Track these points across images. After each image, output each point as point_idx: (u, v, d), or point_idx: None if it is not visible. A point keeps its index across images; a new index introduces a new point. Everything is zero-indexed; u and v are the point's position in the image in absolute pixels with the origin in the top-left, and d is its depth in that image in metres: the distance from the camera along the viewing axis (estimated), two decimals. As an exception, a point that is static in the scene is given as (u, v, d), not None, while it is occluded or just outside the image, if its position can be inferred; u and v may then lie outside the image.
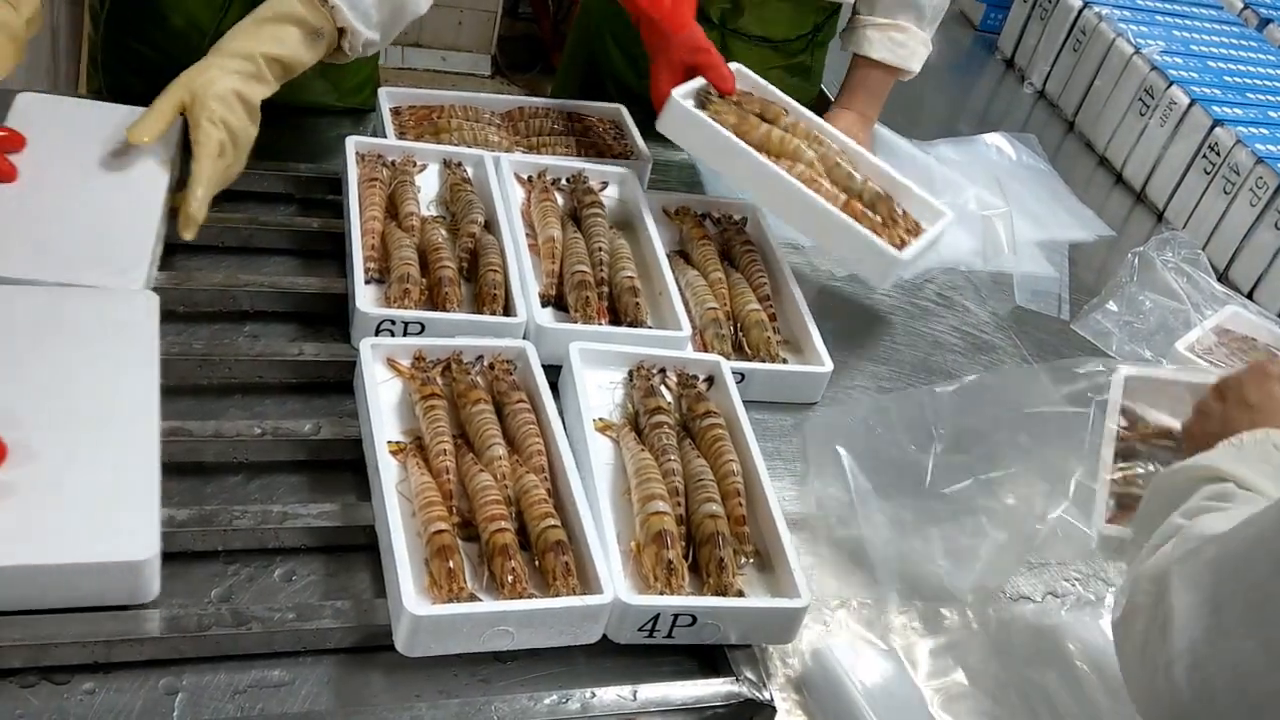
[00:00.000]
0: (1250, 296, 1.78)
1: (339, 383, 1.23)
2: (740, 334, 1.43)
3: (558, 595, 1.02)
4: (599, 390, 1.27)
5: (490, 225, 1.44)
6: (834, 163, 1.54)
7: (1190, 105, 1.97)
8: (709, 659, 1.08)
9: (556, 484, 1.13)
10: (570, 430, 1.19)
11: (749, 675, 1.05)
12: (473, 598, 1.01)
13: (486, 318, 1.30)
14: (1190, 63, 2.08)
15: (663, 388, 1.28)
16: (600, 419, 1.23)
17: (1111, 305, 1.61)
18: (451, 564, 1.01)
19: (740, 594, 1.08)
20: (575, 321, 1.34)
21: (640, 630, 1.04)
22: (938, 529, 1.22)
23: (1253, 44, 2.22)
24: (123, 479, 0.99)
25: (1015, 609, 1.22)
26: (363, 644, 1.01)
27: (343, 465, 1.14)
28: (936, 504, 1.23)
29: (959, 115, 2.22)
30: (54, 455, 0.99)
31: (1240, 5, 2.39)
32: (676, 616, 1.04)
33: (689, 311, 1.41)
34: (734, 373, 1.31)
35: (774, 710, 1.04)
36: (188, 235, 1.22)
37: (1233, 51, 2.17)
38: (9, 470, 0.97)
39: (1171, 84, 2.01)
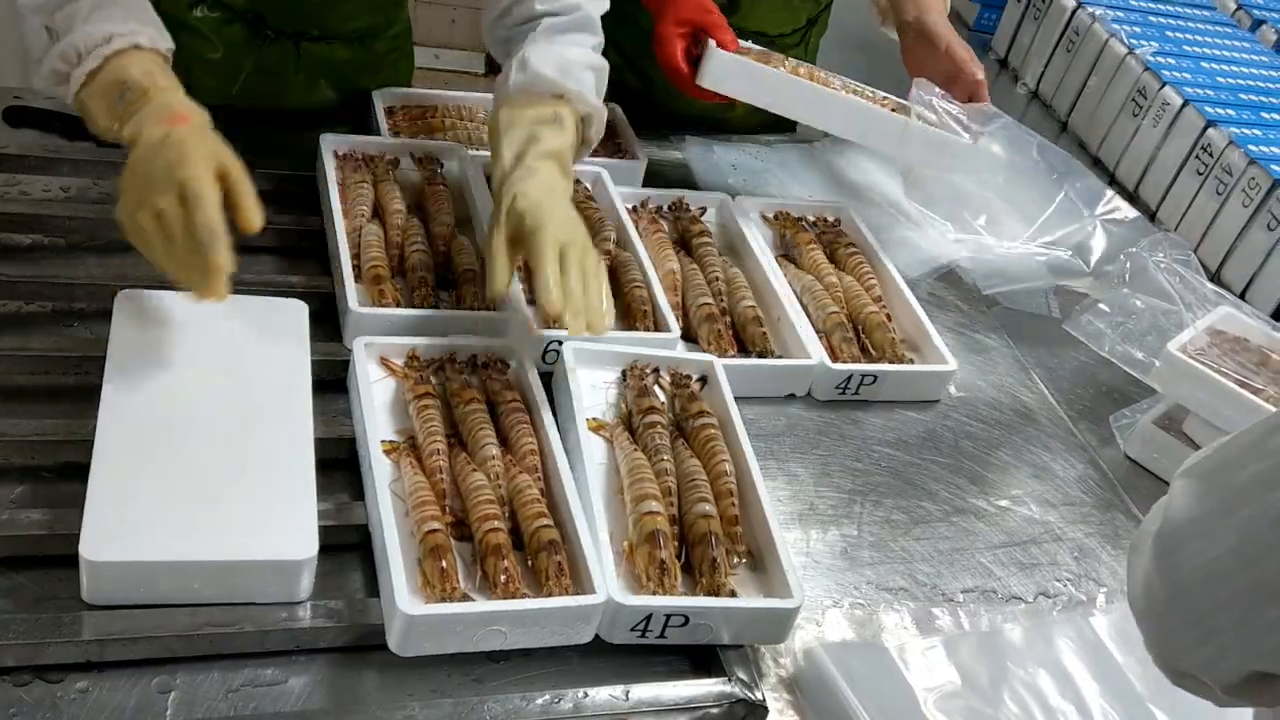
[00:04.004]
0: (1243, 297, 1.78)
1: (331, 381, 1.23)
2: (863, 336, 1.44)
3: (551, 595, 1.02)
4: (592, 390, 1.27)
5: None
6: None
7: (1183, 106, 1.97)
8: (702, 659, 1.08)
9: (550, 484, 1.13)
10: (564, 430, 1.19)
11: (741, 675, 1.05)
12: (466, 597, 1.01)
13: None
14: (1183, 64, 2.08)
15: (656, 387, 1.28)
16: (594, 419, 1.23)
17: (1103, 306, 1.61)
18: (445, 564, 1.01)
19: (733, 594, 1.08)
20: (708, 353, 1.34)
21: (633, 630, 1.04)
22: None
23: (1245, 45, 2.22)
24: (285, 481, 1.05)
25: (1007, 609, 1.22)
26: (356, 643, 1.01)
27: (336, 464, 1.14)
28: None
29: (953, 115, 2.22)
30: (228, 457, 1.06)
31: (1233, 6, 2.39)
32: (669, 616, 1.04)
33: (809, 316, 1.43)
34: (866, 376, 1.32)
35: (766, 710, 1.04)
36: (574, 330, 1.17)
37: (1226, 53, 2.17)
38: (197, 473, 1.04)
39: (1164, 85, 2.01)
